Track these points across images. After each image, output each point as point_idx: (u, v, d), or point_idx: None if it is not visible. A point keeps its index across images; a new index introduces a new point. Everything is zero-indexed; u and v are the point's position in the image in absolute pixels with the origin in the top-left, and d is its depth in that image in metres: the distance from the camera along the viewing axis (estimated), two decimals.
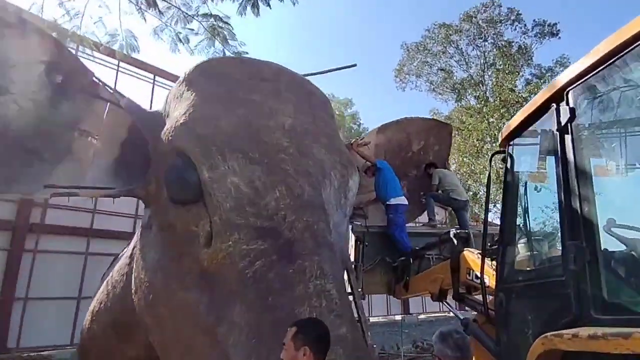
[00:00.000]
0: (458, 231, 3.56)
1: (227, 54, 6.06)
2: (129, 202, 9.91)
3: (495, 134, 16.41)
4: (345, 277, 2.32)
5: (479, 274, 2.86)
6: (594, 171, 1.91)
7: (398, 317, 18.23)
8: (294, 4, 5.86)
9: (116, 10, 5.43)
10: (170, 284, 1.84)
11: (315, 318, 1.52)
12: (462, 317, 3.06)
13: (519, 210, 2.68)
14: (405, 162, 5.71)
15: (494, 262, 2.85)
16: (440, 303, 3.76)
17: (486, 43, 21.45)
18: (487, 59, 21.09)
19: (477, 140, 16.88)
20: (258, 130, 1.96)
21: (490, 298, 2.81)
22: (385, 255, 4.91)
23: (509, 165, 2.61)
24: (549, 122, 2.17)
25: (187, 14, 5.31)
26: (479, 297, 2.97)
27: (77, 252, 9.82)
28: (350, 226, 5.02)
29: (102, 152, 2.37)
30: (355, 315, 2.29)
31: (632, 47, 1.59)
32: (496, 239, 2.75)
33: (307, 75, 3.77)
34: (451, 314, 4.08)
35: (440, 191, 5.44)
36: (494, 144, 17.06)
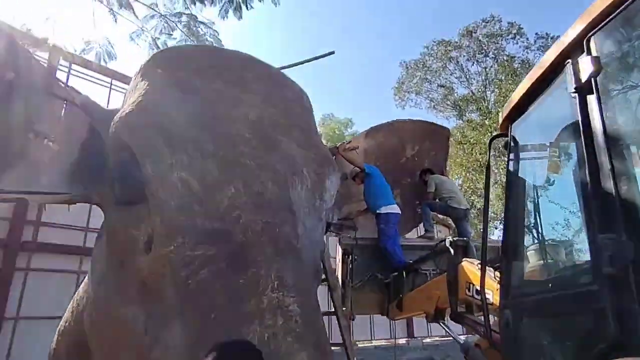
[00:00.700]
0: (455, 239, 3.04)
1: None
2: None
3: (500, 147, 15.94)
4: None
5: (479, 288, 2.32)
6: (631, 139, 1.41)
7: (402, 341, 17.33)
8: (275, 5, 5.57)
9: (91, 17, 5.11)
10: (110, 299, 1.65)
11: (246, 342, 1.16)
12: (461, 341, 2.50)
13: (527, 207, 2.17)
14: (398, 168, 5.23)
15: (498, 274, 2.32)
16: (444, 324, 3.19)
17: (487, 58, 21.35)
18: (489, 74, 20.91)
19: (480, 154, 16.47)
20: (216, 120, 1.74)
21: (495, 318, 2.27)
22: (376, 270, 4.37)
23: (512, 152, 2.11)
24: (562, 88, 1.69)
25: (163, 15, 4.98)
26: (482, 317, 2.42)
27: (69, 270, 9.68)
28: (338, 239, 4.50)
29: (60, 155, 2.13)
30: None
31: None
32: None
33: (283, 67, 3.38)
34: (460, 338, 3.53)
35: (437, 199, 4.92)
36: (498, 158, 16.58)
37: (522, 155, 2.12)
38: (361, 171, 4.60)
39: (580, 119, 1.51)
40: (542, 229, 2.14)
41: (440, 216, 14.02)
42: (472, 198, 16.71)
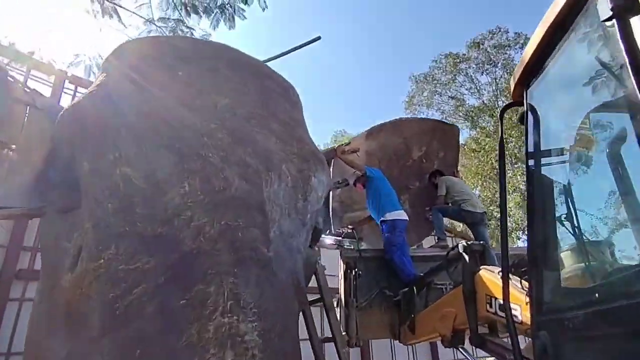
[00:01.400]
0: (470, 243, 2.54)
1: None
2: None
3: (516, 153, 15.26)
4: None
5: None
6: None
7: None
8: (263, 9, 5.33)
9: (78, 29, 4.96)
10: (39, 328, 1.49)
11: None
12: None
13: (557, 196, 1.69)
14: (405, 172, 4.77)
15: (526, 283, 1.84)
16: (475, 349, 2.64)
17: (496, 69, 21.19)
18: (499, 84, 20.58)
19: (496, 161, 15.83)
20: (175, 110, 1.62)
21: (526, 340, 1.76)
22: (384, 286, 3.85)
23: (531, 124, 1.64)
24: (589, 23, 1.25)
25: (148, 20, 4.76)
26: (509, 340, 1.90)
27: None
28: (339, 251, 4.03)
29: (20, 166, 2.02)
30: None
31: None
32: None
33: (268, 60, 3.06)
34: None
35: (449, 203, 4.41)
36: (515, 165, 15.86)
37: (543, 128, 1.65)
38: (362, 175, 4.16)
39: (626, 56, 1.06)
40: (579, 222, 1.64)
41: (458, 227, 13.32)
42: (490, 208, 15.94)
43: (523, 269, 1.65)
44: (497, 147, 2.02)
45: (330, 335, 3.21)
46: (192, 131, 1.61)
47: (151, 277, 1.25)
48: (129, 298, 1.22)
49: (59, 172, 1.73)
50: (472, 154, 17.58)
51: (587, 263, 1.58)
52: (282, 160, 1.85)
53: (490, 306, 2.20)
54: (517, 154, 15.69)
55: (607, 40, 1.19)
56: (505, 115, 1.90)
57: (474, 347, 2.61)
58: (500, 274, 2.13)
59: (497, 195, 16.17)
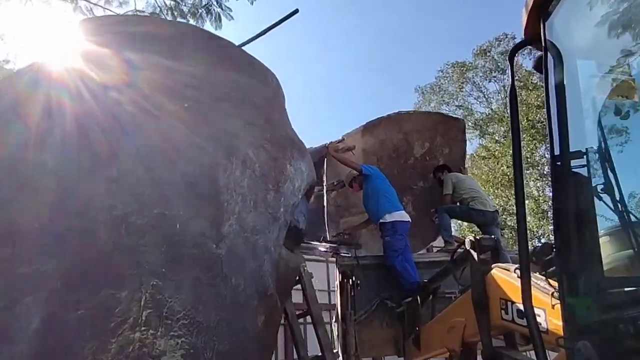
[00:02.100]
0: (479, 237, 2.12)
1: None
2: None
3: (527, 157, 14.70)
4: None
5: (522, 307, 1.40)
6: None
7: None
8: (251, 3, 5.11)
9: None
10: None
11: None
12: None
13: (591, 160, 1.28)
14: (407, 171, 4.37)
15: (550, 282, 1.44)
16: None
17: (504, 76, 20.95)
18: (507, 91, 20.32)
19: (508, 167, 15.24)
20: (116, 87, 1.47)
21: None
22: (385, 296, 3.41)
23: (551, 70, 1.25)
24: None
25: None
26: (532, 354, 1.48)
27: None
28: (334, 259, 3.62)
29: None
30: None
31: None
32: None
33: (244, 43, 2.79)
34: None
35: (457, 202, 3.98)
36: (527, 171, 15.28)
37: (567, 72, 1.26)
38: (359, 174, 3.78)
39: None
40: (622, 195, 1.24)
41: (470, 230, 12.71)
42: (503, 217, 15.36)
43: (547, 257, 1.23)
44: (510, 127, 1.58)
45: (320, 354, 2.80)
46: (131, 109, 1.41)
47: (46, 282, 1.00)
48: (15, 310, 0.96)
49: None
50: (482, 162, 17.06)
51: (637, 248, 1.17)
52: (249, 145, 1.63)
53: (506, 312, 1.77)
54: (529, 158, 15.14)
55: None
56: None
57: None
58: (518, 271, 1.72)
59: (510, 204, 15.59)
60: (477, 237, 2.12)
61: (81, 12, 4.35)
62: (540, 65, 1.29)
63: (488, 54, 20.62)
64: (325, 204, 3.85)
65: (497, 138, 17.50)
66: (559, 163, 1.18)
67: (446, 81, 21.64)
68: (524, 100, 14.99)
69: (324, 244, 3.71)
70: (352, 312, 3.32)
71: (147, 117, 1.45)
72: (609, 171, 1.24)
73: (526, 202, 14.47)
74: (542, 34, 1.27)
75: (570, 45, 1.22)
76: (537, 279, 1.61)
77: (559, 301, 1.50)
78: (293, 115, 2.27)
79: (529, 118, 15.00)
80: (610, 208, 1.22)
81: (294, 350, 2.36)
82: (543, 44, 1.26)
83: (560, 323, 1.32)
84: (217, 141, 1.54)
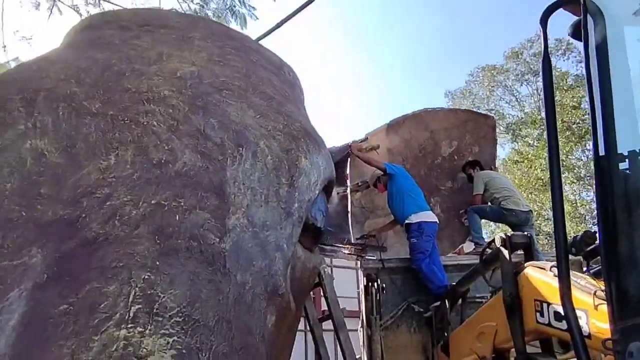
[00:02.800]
0: (510, 234, 1.98)
1: None
2: None
3: (562, 160, 14.04)
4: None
5: (561, 310, 1.28)
6: None
7: None
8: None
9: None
10: None
11: None
12: None
13: None
14: (434, 171, 4.23)
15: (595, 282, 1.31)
16: None
17: (538, 78, 20.28)
18: (541, 94, 19.61)
19: (542, 170, 14.59)
20: (120, 74, 1.35)
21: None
22: (412, 301, 3.28)
23: (592, 35, 1.13)
24: None
25: None
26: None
27: None
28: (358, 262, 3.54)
29: None
30: None
31: None
32: None
33: (261, 37, 2.80)
34: None
35: (488, 202, 3.80)
36: (563, 174, 14.56)
37: (612, 42, 1.13)
38: (383, 173, 3.68)
39: None
40: None
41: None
42: (537, 222, 14.67)
43: (589, 246, 1.10)
44: (542, 90, 1.46)
45: None
46: (134, 97, 1.33)
47: (32, 275, 0.95)
48: (2, 306, 0.91)
49: None
50: (515, 166, 16.43)
51: None
52: (260, 136, 1.52)
53: (542, 315, 1.63)
54: (564, 161, 14.45)
55: None
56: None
57: None
58: (555, 269, 1.58)
59: (545, 208, 14.90)
60: (508, 234, 1.98)
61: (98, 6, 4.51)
62: (578, 32, 1.17)
63: (520, 56, 20.04)
64: (349, 205, 3.77)
65: (530, 141, 16.85)
66: (604, 162, 1.05)
67: (477, 85, 21.17)
68: (559, 102, 14.41)
69: (348, 246, 3.62)
70: (378, 317, 3.21)
71: (150, 105, 1.42)
72: None
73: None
74: None
75: (616, 7, 1.09)
76: (577, 277, 1.47)
77: (602, 301, 1.37)
78: (315, 114, 2.24)
79: (564, 119, 14.37)
80: None
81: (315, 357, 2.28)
82: (582, 4, 1.14)
83: (605, 326, 1.19)
84: (225, 130, 1.53)
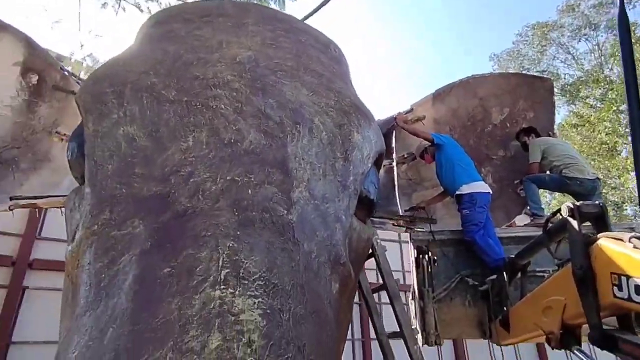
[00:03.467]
0: (580, 203, 1.81)
1: None
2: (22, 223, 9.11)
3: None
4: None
5: None
6: None
7: None
8: None
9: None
10: (62, 313, 1.36)
11: None
12: None
13: None
14: (484, 140, 3.98)
15: None
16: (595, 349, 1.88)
17: (598, 32, 18.26)
18: (603, 49, 17.61)
19: (607, 134, 13.31)
20: (189, 65, 1.52)
21: None
22: (466, 273, 3.18)
23: None
24: None
25: None
26: None
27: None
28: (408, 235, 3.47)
29: None
30: None
31: None
32: None
33: (308, 16, 2.78)
34: None
35: (547, 171, 3.53)
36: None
37: None
38: (430, 144, 3.53)
39: None
40: None
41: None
42: (603, 190, 13.57)
43: None
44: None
45: (398, 330, 2.68)
46: (204, 84, 1.48)
47: (138, 242, 1.12)
48: (114, 269, 1.09)
49: (75, 141, 1.69)
50: (574, 130, 15.15)
51: None
52: (315, 113, 1.64)
53: (620, 289, 1.49)
54: None
55: None
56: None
57: (593, 348, 1.87)
58: (635, 240, 1.43)
59: (611, 176, 13.74)
60: (577, 204, 1.81)
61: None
62: None
63: (576, 9, 18.25)
64: (395, 178, 3.67)
65: (591, 102, 15.39)
66: None
67: (526, 45, 19.60)
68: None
69: (396, 219, 3.55)
70: (430, 290, 3.14)
71: (217, 90, 1.54)
72: None
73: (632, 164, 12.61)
74: None
75: None
76: None
77: None
78: (360, 87, 2.23)
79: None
80: None
81: (370, 326, 2.29)
82: None
83: None
84: (282, 109, 1.64)
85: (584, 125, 14.49)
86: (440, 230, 3.37)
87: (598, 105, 14.80)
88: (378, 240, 2.56)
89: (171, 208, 1.15)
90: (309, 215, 1.41)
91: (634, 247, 1.47)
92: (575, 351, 1.84)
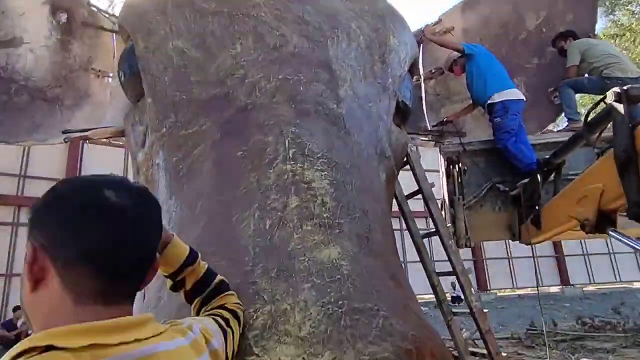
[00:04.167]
0: (626, 88, 1.76)
1: None
2: (62, 165, 9.66)
3: None
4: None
5: None
6: None
7: (554, 289, 14.97)
8: None
9: None
10: None
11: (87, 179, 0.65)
12: None
13: None
14: (517, 48, 3.80)
15: None
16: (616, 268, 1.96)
17: None
18: None
19: None
20: None
21: None
22: (497, 180, 3.24)
23: None
24: None
25: None
26: None
27: (3, 222, 9.22)
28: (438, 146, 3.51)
29: (118, 90, 2.23)
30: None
31: None
32: None
33: None
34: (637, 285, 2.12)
35: (585, 74, 3.38)
36: None
37: None
38: (460, 55, 3.40)
39: None
40: None
41: None
42: None
43: None
44: None
45: (434, 230, 2.84)
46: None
47: (208, 136, 1.25)
48: (189, 160, 1.24)
49: (126, 63, 1.71)
50: (613, 41, 13.99)
51: None
52: (351, 18, 1.72)
53: None
54: None
55: None
56: None
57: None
58: None
59: None
60: (624, 87, 1.77)
61: None
62: None
63: None
64: (423, 93, 3.62)
65: (633, 9, 14.00)
66: None
67: None
68: None
69: (424, 133, 3.57)
70: (461, 198, 3.24)
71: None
72: None
73: None
74: None
75: None
76: None
77: None
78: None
79: None
80: None
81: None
82: None
83: None
84: (320, 15, 1.63)
85: (624, 35, 13.32)
86: (470, 141, 3.38)
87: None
88: (413, 148, 2.63)
89: (233, 105, 1.27)
90: (355, 111, 1.53)
91: None
92: (610, 232, 1.92)
